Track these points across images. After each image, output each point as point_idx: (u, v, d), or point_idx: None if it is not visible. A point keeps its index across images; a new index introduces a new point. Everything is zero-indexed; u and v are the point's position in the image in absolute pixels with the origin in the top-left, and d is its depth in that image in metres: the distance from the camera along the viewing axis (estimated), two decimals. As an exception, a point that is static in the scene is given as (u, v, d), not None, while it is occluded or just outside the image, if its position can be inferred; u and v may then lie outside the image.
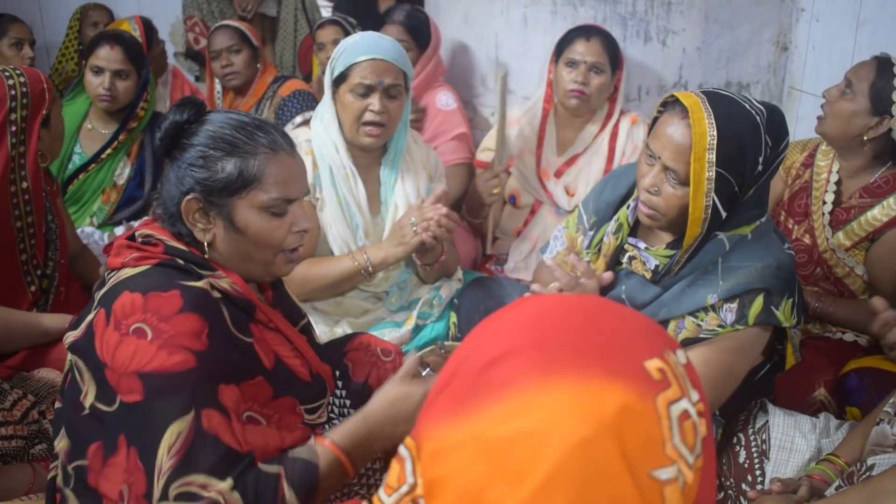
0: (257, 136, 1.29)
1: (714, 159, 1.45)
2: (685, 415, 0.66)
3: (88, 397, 1.20)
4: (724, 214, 1.51)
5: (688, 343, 1.60)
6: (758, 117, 1.48)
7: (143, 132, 2.78)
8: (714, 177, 1.46)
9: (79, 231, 2.57)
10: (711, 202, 1.48)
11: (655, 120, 1.59)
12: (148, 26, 3.31)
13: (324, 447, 1.25)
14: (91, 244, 2.53)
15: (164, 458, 1.13)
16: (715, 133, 1.45)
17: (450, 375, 0.72)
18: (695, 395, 0.69)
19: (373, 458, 1.36)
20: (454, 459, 0.66)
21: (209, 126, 1.29)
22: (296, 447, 1.26)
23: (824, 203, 2.09)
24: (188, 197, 1.27)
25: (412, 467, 0.70)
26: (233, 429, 1.18)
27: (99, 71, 2.64)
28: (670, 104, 1.55)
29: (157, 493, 1.13)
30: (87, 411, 1.20)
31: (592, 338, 0.68)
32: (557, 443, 0.62)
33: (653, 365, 0.67)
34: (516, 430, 0.64)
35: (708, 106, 1.47)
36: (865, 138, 1.99)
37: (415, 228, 2.00)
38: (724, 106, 1.48)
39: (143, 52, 2.76)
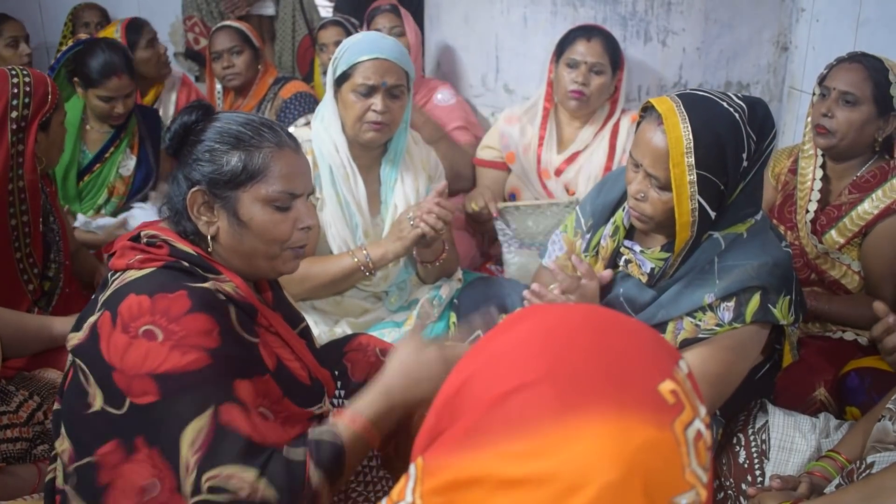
0: (263, 132, 1.32)
1: (693, 162, 1.45)
2: (698, 435, 0.66)
3: (97, 401, 1.19)
4: (713, 215, 1.51)
5: (687, 343, 1.60)
6: (737, 114, 1.47)
7: (138, 124, 2.85)
8: (696, 180, 1.46)
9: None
10: (697, 204, 1.48)
11: (639, 125, 1.59)
12: (132, 29, 3.26)
13: (345, 424, 1.25)
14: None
15: (189, 455, 1.14)
16: (691, 136, 1.44)
17: (453, 394, 0.71)
18: (702, 410, 0.68)
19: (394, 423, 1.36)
20: (470, 494, 0.65)
21: (217, 123, 1.32)
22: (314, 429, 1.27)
23: (807, 212, 2.10)
24: (193, 189, 1.29)
25: (413, 487, 0.70)
26: (252, 420, 1.19)
27: (110, 99, 2.68)
28: (648, 110, 1.55)
29: (188, 488, 1.14)
30: (93, 412, 1.20)
31: (604, 365, 0.67)
32: (587, 488, 0.61)
33: (666, 388, 0.67)
34: (538, 471, 0.63)
35: (682, 110, 1.47)
36: (880, 139, 2.00)
37: (412, 223, 2.00)
38: (699, 108, 1.47)
39: (132, 59, 2.79)
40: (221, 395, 1.17)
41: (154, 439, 1.17)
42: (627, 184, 1.61)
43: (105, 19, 4.04)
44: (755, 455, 1.63)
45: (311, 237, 1.40)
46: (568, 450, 0.63)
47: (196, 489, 1.13)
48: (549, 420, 0.64)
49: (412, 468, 0.72)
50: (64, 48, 3.69)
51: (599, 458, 0.62)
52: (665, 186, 1.51)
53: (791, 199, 2.18)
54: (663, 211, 1.54)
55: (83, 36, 3.03)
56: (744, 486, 1.59)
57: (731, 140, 1.47)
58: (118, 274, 1.28)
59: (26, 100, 1.95)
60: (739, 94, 1.54)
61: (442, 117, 2.85)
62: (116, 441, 1.19)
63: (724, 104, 1.48)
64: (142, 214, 2.68)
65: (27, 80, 1.97)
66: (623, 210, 1.74)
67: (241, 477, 1.13)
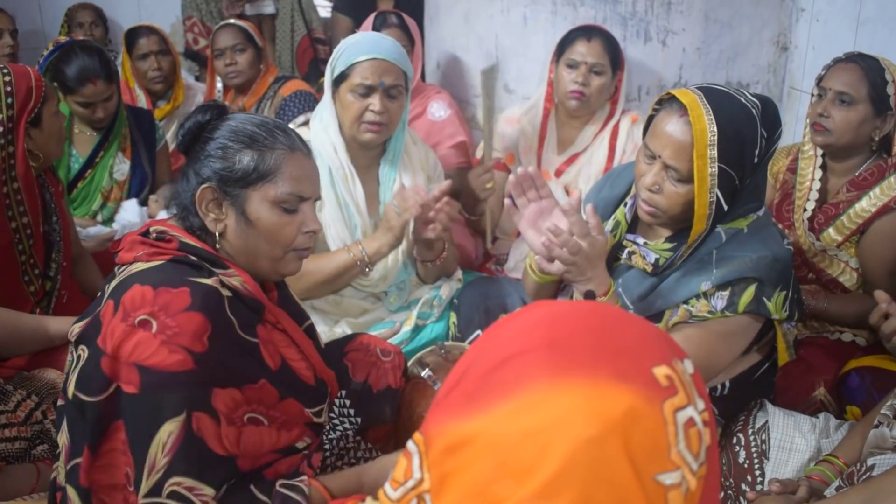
0: (277, 134, 1.34)
1: (716, 155, 1.46)
2: (691, 422, 0.67)
3: (70, 388, 1.21)
4: (725, 208, 1.52)
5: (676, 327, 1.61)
6: (753, 110, 1.49)
7: (129, 127, 2.79)
8: (717, 172, 1.47)
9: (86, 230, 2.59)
10: (715, 197, 1.49)
11: (651, 118, 1.59)
12: (130, 37, 3.25)
13: (316, 490, 1.26)
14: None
15: (159, 455, 1.15)
16: (715, 129, 1.45)
17: (460, 375, 0.72)
18: (701, 404, 0.69)
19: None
20: (463, 455, 0.67)
21: (231, 122, 1.33)
22: (290, 465, 1.28)
23: (805, 211, 2.10)
24: (203, 186, 1.30)
25: (420, 462, 0.71)
26: (220, 434, 1.20)
27: (88, 104, 2.62)
28: (667, 102, 1.55)
29: (146, 487, 1.14)
30: (71, 402, 1.21)
31: (603, 342, 0.69)
32: (564, 441, 0.63)
33: (661, 371, 0.68)
34: (524, 427, 0.64)
35: (706, 102, 1.48)
36: (876, 139, 2.01)
37: (397, 211, 2.00)
38: (721, 101, 1.49)
39: (110, 61, 2.68)
40: (197, 403, 1.18)
41: (129, 428, 1.17)
42: (639, 176, 1.60)
43: (100, 19, 4.04)
44: (755, 455, 1.62)
45: (313, 240, 1.41)
46: (553, 405, 0.64)
47: (156, 490, 1.14)
48: (542, 380, 0.66)
49: (412, 446, 0.72)
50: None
51: (580, 415, 0.64)
52: (684, 179, 1.51)
53: (789, 198, 2.18)
54: (679, 203, 1.54)
55: (62, 38, 2.94)
56: (743, 486, 1.59)
57: (749, 135, 1.48)
58: (125, 267, 1.29)
59: (9, 100, 1.88)
60: (750, 92, 1.55)
61: (435, 133, 2.83)
62: (92, 443, 1.20)
63: (742, 100, 1.50)
64: (130, 207, 2.67)
65: (7, 78, 1.89)
66: (625, 206, 1.73)
67: (200, 493, 1.15)
